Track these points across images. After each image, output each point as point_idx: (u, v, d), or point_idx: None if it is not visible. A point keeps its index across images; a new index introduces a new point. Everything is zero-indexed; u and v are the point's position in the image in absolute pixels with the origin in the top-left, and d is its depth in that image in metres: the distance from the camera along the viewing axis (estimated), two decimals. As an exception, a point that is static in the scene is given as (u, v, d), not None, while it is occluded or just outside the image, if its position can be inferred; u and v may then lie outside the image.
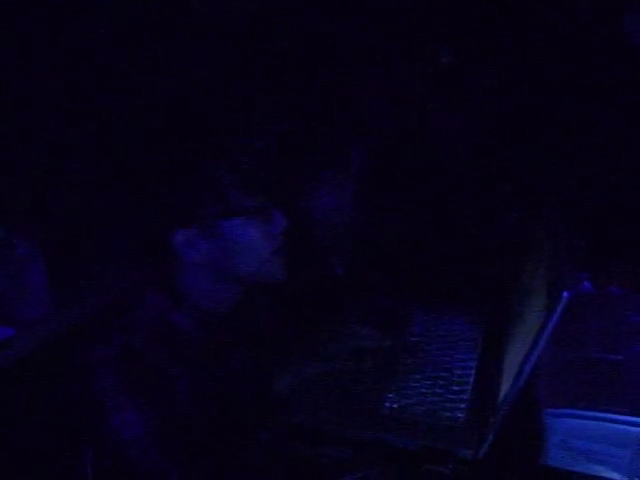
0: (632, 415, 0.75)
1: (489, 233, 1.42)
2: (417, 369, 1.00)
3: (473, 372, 0.99)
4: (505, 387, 0.83)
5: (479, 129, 1.88)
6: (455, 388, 0.95)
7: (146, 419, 0.93)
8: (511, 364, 0.87)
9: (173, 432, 0.94)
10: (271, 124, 1.40)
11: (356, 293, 1.33)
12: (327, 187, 1.41)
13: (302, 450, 1.00)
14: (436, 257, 1.37)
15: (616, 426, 0.74)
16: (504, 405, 0.78)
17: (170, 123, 1.03)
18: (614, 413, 0.75)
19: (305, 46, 1.90)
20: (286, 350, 1.04)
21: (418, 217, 1.49)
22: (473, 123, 1.90)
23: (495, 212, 1.48)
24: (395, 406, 0.92)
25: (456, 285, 1.21)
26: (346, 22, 2.06)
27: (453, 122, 1.88)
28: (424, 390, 0.95)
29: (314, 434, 0.91)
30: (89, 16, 1.56)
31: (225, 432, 0.98)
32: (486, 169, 1.76)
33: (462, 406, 0.91)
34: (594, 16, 1.67)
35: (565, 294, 0.69)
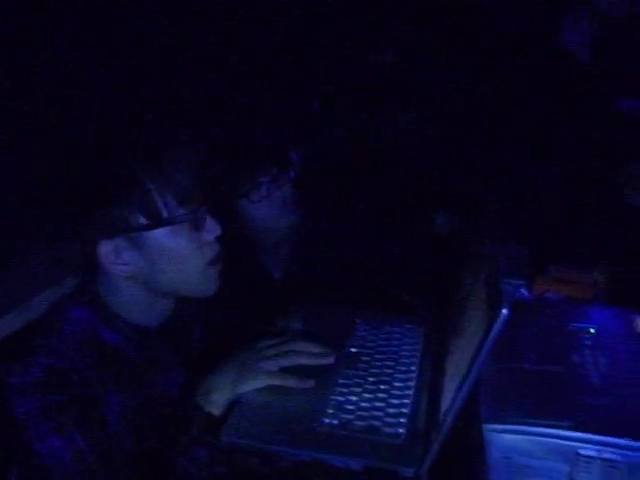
0: (571, 429, 0.74)
1: (428, 239, 1.41)
2: (357, 382, 0.97)
3: (413, 384, 0.97)
4: (446, 402, 0.81)
5: (426, 130, 1.88)
6: (395, 402, 0.93)
7: (72, 443, 0.87)
8: (452, 377, 0.85)
9: (103, 455, 0.89)
10: (205, 127, 1.34)
11: (294, 300, 1.29)
12: (266, 191, 1.37)
13: (240, 468, 0.96)
14: (376, 264, 1.35)
15: (555, 441, 0.74)
16: (445, 421, 0.76)
17: (95, 130, 0.96)
18: (554, 427, 0.75)
19: (240, 42, 1.85)
20: (220, 365, 0.99)
21: (358, 222, 1.46)
22: (420, 123, 1.89)
23: (434, 216, 1.48)
24: (335, 422, 0.89)
25: (396, 294, 1.19)
26: (290, 23, 2.02)
27: (401, 123, 1.87)
28: (364, 405, 0.92)
29: (250, 453, 0.87)
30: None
31: (158, 452, 0.92)
32: (430, 171, 1.76)
33: (402, 421, 0.88)
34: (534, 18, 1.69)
35: (504, 311, 0.68)
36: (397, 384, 0.97)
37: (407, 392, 0.95)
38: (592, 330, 0.93)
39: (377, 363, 1.02)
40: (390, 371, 1.00)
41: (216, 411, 0.93)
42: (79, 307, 0.96)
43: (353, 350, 1.07)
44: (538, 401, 0.80)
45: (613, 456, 0.72)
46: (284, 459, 0.93)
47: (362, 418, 0.89)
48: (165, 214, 0.90)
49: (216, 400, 0.93)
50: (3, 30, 1.40)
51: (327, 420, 0.89)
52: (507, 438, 0.75)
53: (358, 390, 0.96)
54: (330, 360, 1.01)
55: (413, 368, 1.01)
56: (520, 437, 0.74)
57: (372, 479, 0.80)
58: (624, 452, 0.72)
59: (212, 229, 0.96)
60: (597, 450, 0.72)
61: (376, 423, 0.88)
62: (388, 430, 0.87)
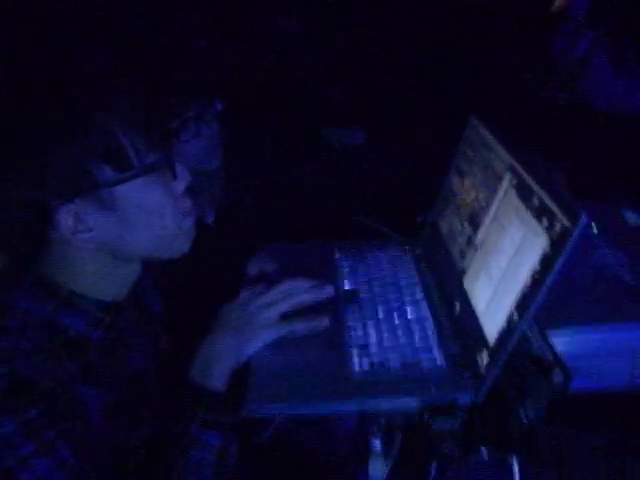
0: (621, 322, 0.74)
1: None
2: (368, 322, 0.89)
3: (428, 310, 0.91)
4: (489, 320, 0.77)
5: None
6: (418, 331, 0.87)
7: (62, 463, 0.70)
8: (483, 294, 0.80)
9: (92, 468, 0.73)
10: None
11: (258, 240, 1.15)
12: (194, 128, 1.19)
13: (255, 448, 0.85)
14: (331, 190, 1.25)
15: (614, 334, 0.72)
16: (505, 341, 0.71)
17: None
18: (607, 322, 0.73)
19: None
20: (211, 333, 0.85)
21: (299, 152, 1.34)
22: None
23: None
24: (366, 368, 0.81)
25: (365, 215, 1.11)
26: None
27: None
28: (388, 342, 0.85)
29: (286, 423, 0.76)
30: None
31: (165, 445, 0.78)
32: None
33: (435, 349, 0.83)
34: None
35: (584, 217, 0.62)
36: (411, 314, 0.90)
37: (424, 316, 0.89)
38: (595, 230, 0.93)
39: (380, 297, 0.95)
40: (398, 304, 0.93)
41: (220, 386, 0.80)
42: (25, 293, 0.75)
43: (347, 288, 0.98)
44: (587, 298, 0.78)
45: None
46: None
47: (392, 358, 0.82)
48: (136, 162, 0.73)
49: (218, 373, 0.80)
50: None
51: (357, 367, 0.81)
52: (572, 342, 0.72)
53: (372, 331, 0.88)
54: (331, 291, 0.91)
55: (419, 290, 0.95)
56: (584, 338, 0.72)
57: (434, 418, 0.74)
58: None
59: (183, 176, 0.80)
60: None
61: (409, 358, 0.82)
62: (426, 362, 0.81)
